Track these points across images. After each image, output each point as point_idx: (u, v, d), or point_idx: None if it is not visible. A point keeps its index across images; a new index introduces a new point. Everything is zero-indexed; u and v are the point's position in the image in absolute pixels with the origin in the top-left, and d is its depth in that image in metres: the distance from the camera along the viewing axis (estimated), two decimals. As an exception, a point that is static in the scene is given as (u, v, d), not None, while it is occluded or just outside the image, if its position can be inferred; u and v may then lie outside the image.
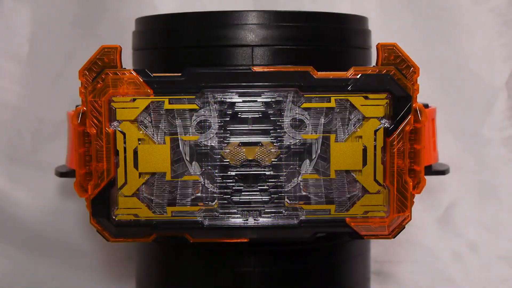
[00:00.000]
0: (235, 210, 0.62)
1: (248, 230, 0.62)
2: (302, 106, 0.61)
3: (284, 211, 0.62)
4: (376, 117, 0.60)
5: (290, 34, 0.65)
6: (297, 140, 0.62)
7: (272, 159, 0.62)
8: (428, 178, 0.64)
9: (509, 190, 1.04)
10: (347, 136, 0.61)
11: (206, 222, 0.62)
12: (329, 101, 0.61)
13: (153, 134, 0.61)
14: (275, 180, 0.62)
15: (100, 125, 0.60)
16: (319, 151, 0.62)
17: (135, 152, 0.61)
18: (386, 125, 0.60)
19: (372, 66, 0.62)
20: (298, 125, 0.61)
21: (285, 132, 0.61)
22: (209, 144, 0.62)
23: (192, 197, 0.63)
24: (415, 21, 1.02)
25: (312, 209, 0.62)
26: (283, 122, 0.61)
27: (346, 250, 0.72)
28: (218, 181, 0.62)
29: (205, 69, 0.60)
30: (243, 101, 0.61)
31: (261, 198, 0.62)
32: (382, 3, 1.01)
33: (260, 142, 0.62)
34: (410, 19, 1.02)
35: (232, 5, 0.95)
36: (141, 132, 0.61)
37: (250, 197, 0.62)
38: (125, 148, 0.61)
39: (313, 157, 0.62)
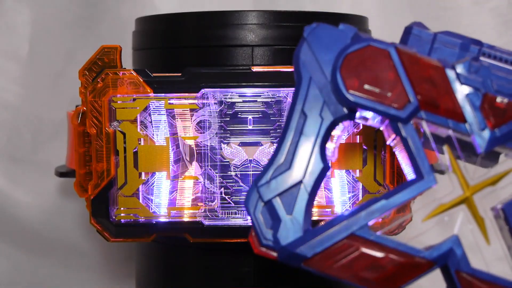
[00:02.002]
0: (235, 210, 0.62)
1: (248, 230, 0.61)
2: (302, 106, 0.61)
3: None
4: (376, 117, 0.60)
5: (290, 34, 0.65)
6: (297, 140, 0.62)
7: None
8: (428, 178, 0.64)
9: (509, 190, 1.04)
10: (347, 136, 0.61)
11: (206, 222, 0.62)
12: (329, 101, 0.61)
13: (153, 134, 0.61)
14: None
15: (100, 125, 0.60)
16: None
17: (135, 152, 0.61)
18: (386, 125, 0.60)
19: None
20: None
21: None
22: (209, 144, 0.62)
23: (192, 197, 0.63)
24: (415, 21, 1.02)
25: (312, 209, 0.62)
26: (283, 122, 0.61)
27: (346, 250, 0.71)
28: (218, 181, 0.62)
29: (205, 69, 0.60)
30: (243, 101, 0.61)
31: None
32: (382, 3, 1.01)
33: (260, 142, 0.62)
34: (410, 19, 1.02)
35: (232, 5, 0.95)
36: (141, 132, 0.61)
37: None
38: (125, 148, 0.61)
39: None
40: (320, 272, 0.46)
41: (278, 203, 0.46)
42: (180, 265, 0.70)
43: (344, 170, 0.61)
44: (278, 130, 0.61)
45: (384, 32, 1.00)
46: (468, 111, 0.46)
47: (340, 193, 0.62)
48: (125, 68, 0.61)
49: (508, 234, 0.50)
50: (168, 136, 0.61)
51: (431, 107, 0.46)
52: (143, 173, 0.62)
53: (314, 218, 0.62)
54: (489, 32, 1.02)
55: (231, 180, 0.62)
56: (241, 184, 0.62)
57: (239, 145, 0.61)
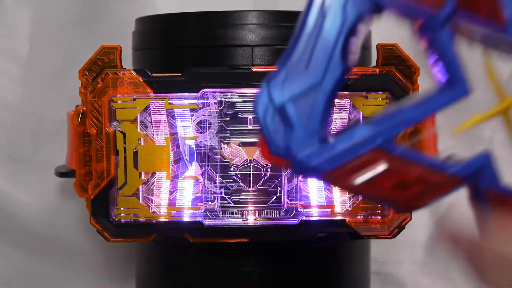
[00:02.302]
0: (235, 210, 0.62)
1: (248, 230, 0.62)
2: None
3: (284, 211, 0.62)
4: (376, 117, 0.60)
5: (290, 34, 0.65)
6: (297, 140, 0.61)
7: None
8: (428, 178, 0.64)
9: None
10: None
11: (206, 222, 0.62)
12: (329, 101, 0.60)
13: (153, 134, 0.61)
14: (275, 180, 0.62)
15: (100, 125, 0.60)
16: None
17: (135, 152, 0.61)
18: (386, 125, 0.60)
19: (372, 66, 0.62)
20: None
21: None
22: (209, 144, 0.62)
23: (192, 197, 0.63)
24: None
25: (312, 209, 0.62)
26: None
27: (346, 250, 0.71)
28: (218, 181, 0.62)
29: (205, 69, 0.60)
30: (243, 101, 0.61)
31: (261, 198, 0.62)
32: (382, 3, 1.01)
33: (260, 142, 0.61)
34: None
35: (232, 5, 0.95)
36: (141, 132, 0.61)
37: (250, 197, 0.62)
38: (125, 148, 0.61)
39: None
40: (339, 187, 0.43)
41: (292, 107, 0.41)
42: (180, 265, 0.70)
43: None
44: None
45: (384, 32, 0.99)
46: (511, 15, 0.41)
47: (340, 192, 0.62)
48: (125, 68, 0.61)
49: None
50: (168, 136, 0.61)
51: (470, 8, 0.41)
52: (143, 173, 0.62)
53: (314, 218, 0.62)
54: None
55: (231, 180, 0.62)
56: (241, 184, 0.62)
57: (239, 145, 0.61)
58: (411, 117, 0.42)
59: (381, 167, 0.41)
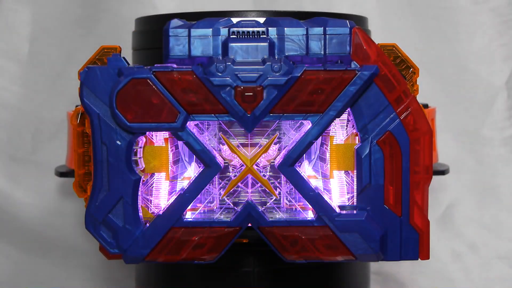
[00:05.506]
0: (234, 211, 0.62)
1: (247, 230, 0.61)
2: (301, 107, 0.61)
3: (283, 212, 0.62)
4: (376, 117, 0.60)
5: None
6: (296, 141, 0.61)
7: (271, 160, 0.62)
8: (428, 179, 0.64)
9: (509, 190, 1.04)
10: (346, 137, 0.61)
11: (206, 223, 0.62)
12: (329, 102, 0.60)
13: (152, 135, 0.61)
14: (274, 181, 0.62)
15: (100, 126, 0.60)
16: (318, 152, 0.62)
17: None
18: (385, 125, 0.60)
19: (371, 66, 0.61)
20: (297, 126, 0.61)
21: (284, 133, 0.61)
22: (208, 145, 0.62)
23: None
24: (415, 21, 1.02)
25: (311, 210, 0.62)
26: (282, 123, 0.61)
27: (346, 251, 0.71)
28: (217, 182, 0.62)
29: (205, 69, 0.60)
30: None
31: (260, 199, 0.62)
32: (382, 3, 1.01)
33: (259, 143, 0.62)
34: (410, 19, 1.02)
35: (232, 5, 0.96)
36: (140, 132, 0.61)
37: (250, 198, 0.62)
38: (124, 149, 0.61)
39: (312, 158, 0.62)
40: (162, 263, 0.58)
41: (111, 219, 0.57)
42: (180, 265, 0.70)
43: (343, 171, 0.61)
44: (277, 131, 0.61)
45: (384, 32, 1.00)
46: (227, 104, 0.55)
47: (339, 194, 0.62)
48: (124, 68, 0.61)
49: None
50: (167, 137, 0.61)
51: (197, 111, 0.55)
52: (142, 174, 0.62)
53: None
54: (489, 32, 1.02)
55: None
56: (240, 185, 0.62)
57: (238, 146, 0.61)
58: (187, 199, 0.58)
59: (179, 238, 0.58)
